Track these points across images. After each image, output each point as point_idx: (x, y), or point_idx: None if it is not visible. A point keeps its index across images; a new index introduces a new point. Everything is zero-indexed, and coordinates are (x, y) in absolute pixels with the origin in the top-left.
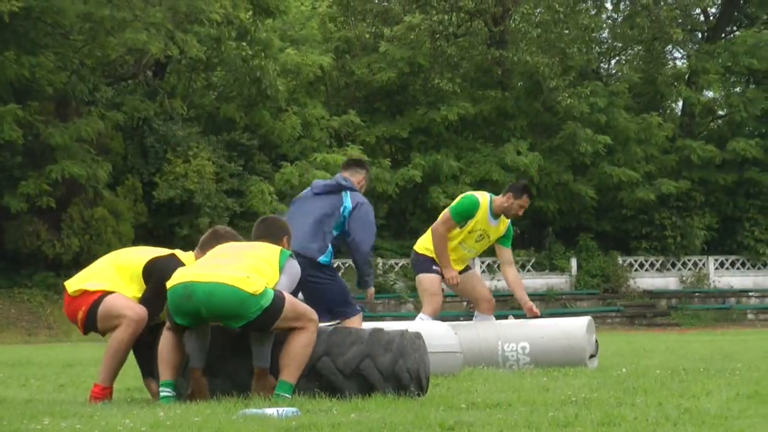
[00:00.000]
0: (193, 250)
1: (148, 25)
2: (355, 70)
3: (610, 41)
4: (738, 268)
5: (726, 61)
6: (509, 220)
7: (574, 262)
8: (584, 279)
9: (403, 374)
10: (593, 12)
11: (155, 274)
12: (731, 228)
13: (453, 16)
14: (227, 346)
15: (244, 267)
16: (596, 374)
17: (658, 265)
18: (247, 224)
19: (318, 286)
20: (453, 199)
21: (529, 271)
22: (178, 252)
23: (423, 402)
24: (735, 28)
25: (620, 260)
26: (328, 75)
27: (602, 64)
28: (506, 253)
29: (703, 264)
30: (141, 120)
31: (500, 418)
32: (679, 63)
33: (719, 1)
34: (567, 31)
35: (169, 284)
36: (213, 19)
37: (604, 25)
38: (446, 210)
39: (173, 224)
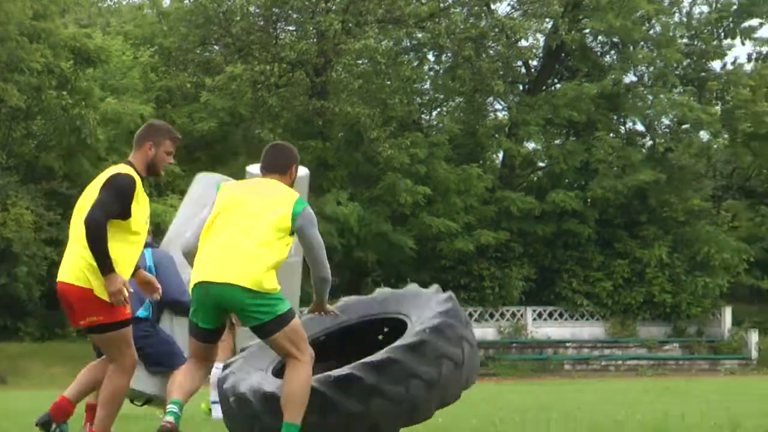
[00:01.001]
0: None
1: None
2: (175, 119)
3: (431, 92)
4: (556, 319)
5: (546, 113)
6: None
7: None
8: None
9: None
10: (415, 63)
11: (106, 185)
12: (549, 279)
13: (275, 67)
14: None
15: (258, 256)
16: None
17: (476, 316)
18: None
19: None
20: None
21: None
22: (117, 168)
23: None
24: (556, 80)
25: None
26: None
27: (423, 115)
28: None
29: (521, 314)
30: None
31: None
32: (500, 114)
33: (541, 54)
34: (389, 83)
35: (192, 280)
36: (34, 68)
37: (426, 76)
38: None
39: None
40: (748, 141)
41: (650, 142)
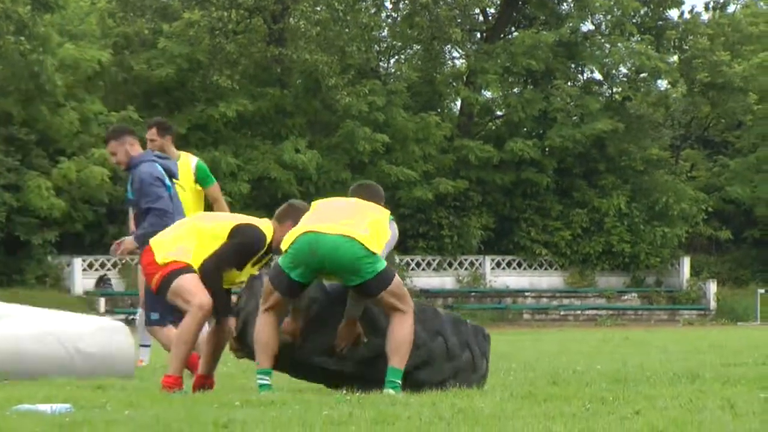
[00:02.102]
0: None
1: None
2: (133, 65)
3: (389, 40)
4: (514, 268)
5: (504, 62)
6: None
7: None
8: None
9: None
10: (373, 11)
11: (239, 235)
12: (508, 228)
13: (232, 13)
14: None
15: (366, 225)
16: None
17: (435, 265)
18: (23, 219)
19: None
20: (231, 196)
21: None
22: (259, 221)
23: (197, 399)
24: (513, 28)
25: (397, 259)
26: (107, 70)
27: (381, 63)
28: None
29: (480, 264)
30: None
31: (274, 417)
32: (457, 63)
33: (498, 2)
34: (346, 30)
35: (292, 235)
36: None
37: (384, 23)
38: None
39: None
40: (705, 90)
41: (608, 91)
